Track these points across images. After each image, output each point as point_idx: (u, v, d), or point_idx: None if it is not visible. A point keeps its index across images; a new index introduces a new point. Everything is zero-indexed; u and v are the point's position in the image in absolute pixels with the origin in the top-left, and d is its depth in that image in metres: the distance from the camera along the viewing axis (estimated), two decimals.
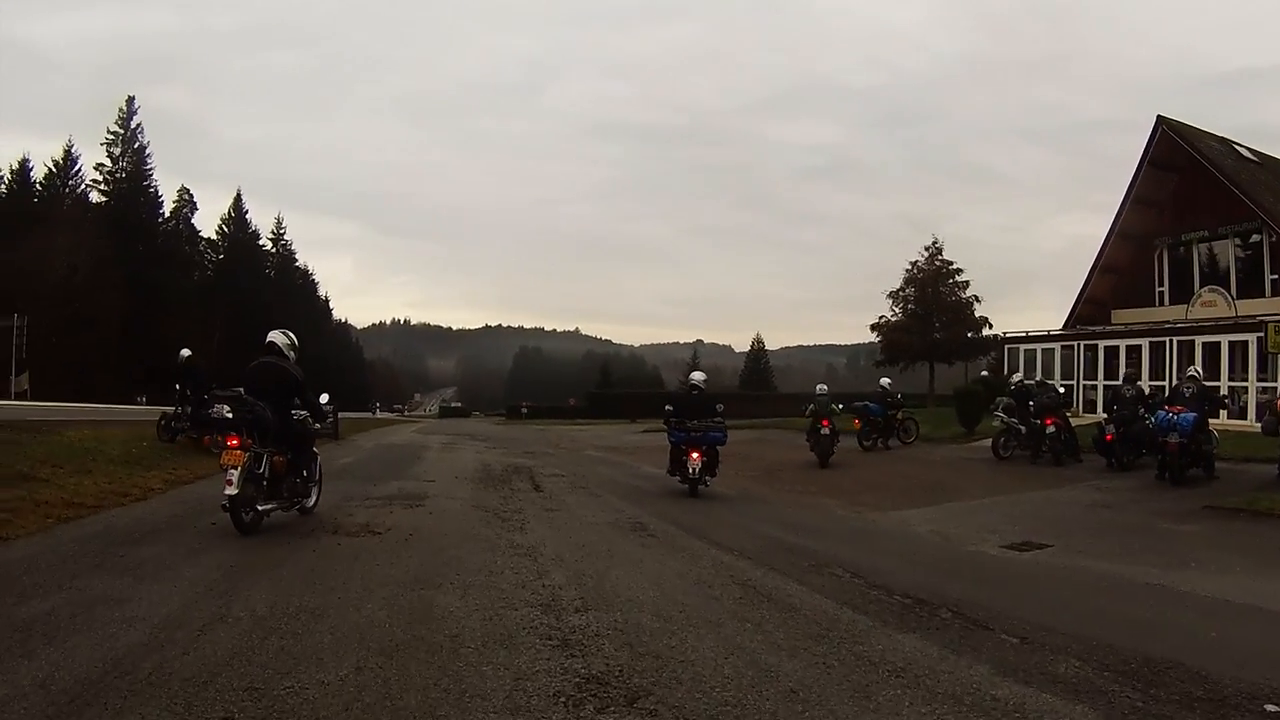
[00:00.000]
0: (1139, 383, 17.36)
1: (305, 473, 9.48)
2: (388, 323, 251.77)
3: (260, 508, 8.49)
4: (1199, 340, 24.02)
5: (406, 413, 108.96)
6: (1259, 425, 15.37)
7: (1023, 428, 18.44)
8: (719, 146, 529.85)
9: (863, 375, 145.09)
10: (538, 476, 15.76)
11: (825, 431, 19.02)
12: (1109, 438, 15.86)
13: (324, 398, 10.10)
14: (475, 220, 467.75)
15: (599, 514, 11.05)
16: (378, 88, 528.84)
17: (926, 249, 43.70)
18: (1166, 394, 16.30)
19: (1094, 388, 27.35)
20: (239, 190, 77.28)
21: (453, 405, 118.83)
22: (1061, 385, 25.08)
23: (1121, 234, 31.11)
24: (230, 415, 8.33)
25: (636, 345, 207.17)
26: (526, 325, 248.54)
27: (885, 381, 24.11)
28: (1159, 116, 29.06)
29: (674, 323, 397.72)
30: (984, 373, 35.37)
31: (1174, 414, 13.68)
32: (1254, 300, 26.28)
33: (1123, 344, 26.72)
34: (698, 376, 15.05)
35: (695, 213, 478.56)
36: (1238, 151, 29.02)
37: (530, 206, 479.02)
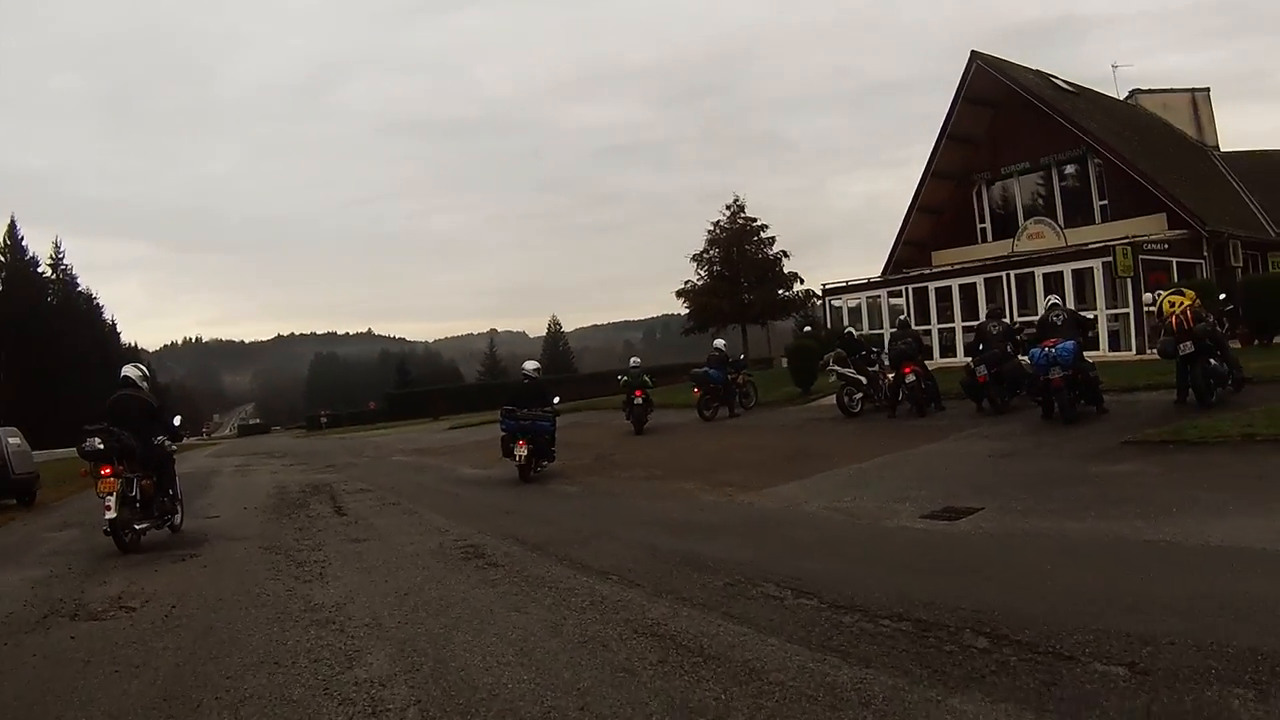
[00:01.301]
0: (1004, 318, 16.52)
1: (171, 492, 10.75)
2: (180, 342, 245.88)
3: (137, 527, 9.77)
4: (1039, 271, 24.13)
5: (207, 435, 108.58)
6: (1153, 351, 14.76)
7: (862, 379, 17.86)
8: (514, 134, 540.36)
9: (658, 348, 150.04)
10: (340, 495, 14.54)
11: (638, 401, 21.10)
12: (982, 379, 14.91)
13: (177, 420, 11.56)
14: (268, 230, 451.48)
15: (420, 539, 9.44)
16: (163, 102, 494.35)
17: (728, 207, 43.42)
18: (1034, 327, 15.48)
19: (926, 332, 26.99)
20: (12, 216, 68.73)
21: (251, 423, 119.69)
22: (889, 332, 24.86)
23: (937, 174, 31.42)
24: (102, 446, 9.51)
25: (431, 341, 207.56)
26: (319, 331, 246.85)
27: (720, 343, 22.88)
28: (973, 51, 29.39)
29: (469, 314, 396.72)
30: (806, 328, 34.93)
31: (1050, 347, 12.75)
32: (1084, 228, 27.08)
33: (955, 283, 26.62)
34: (529, 366, 16.13)
35: (491, 203, 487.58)
36: (1054, 83, 29.91)
37: (323, 211, 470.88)
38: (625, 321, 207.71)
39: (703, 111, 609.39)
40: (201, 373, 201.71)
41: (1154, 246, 23.16)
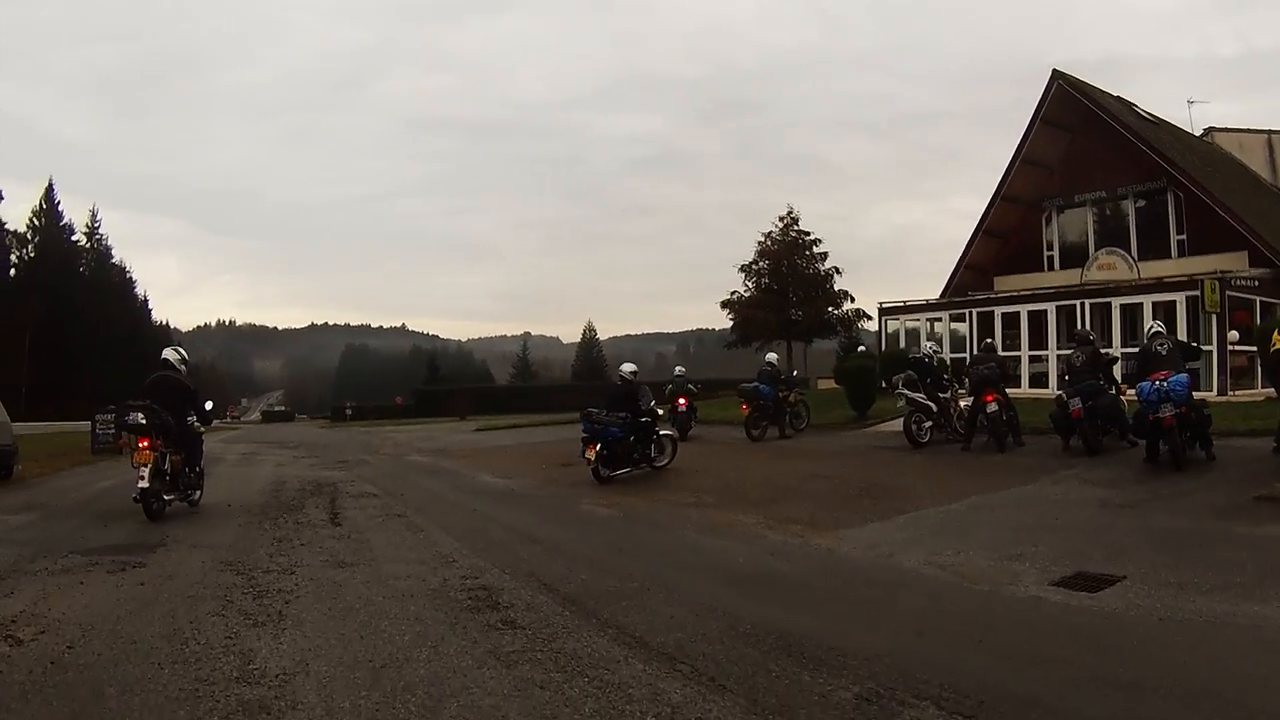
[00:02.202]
0: (1094, 343, 14.67)
1: (198, 469, 11.49)
2: (213, 324, 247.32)
3: (166, 498, 10.52)
4: (1116, 302, 22.36)
5: (231, 419, 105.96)
6: (1236, 393, 13.00)
7: (932, 405, 16.18)
8: (546, 140, 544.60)
9: (692, 362, 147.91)
10: (341, 499, 12.90)
11: (682, 409, 21.28)
12: (1076, 413, 13.10)
13: (209, 404, 12.21)
14: (303, 217, 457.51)
15: (419, 570, 7.61)
16: (205, 83, 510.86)
17: (781, 219, 41.41)
18: (1132, 357, 13.76)
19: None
20: (50, 181, 67.59)
21: (276, 409, 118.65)
22: (947, 357, 23.15)
23: (1007, 198, 29.54)
24: (144, 421, 10.30)
25: (464, 340, 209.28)
26: (353, 323, 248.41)
27: (772, 357, 21.12)
28: (1054, 70, 27.56)
29: (501, 317, 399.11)
30: (861, 348, 33.21)
31: (1161, 380, 11.00)
32: (1157, 262, 25.23)
33: (1024, 309, 24.82)
34: (627, 368, 15.52)
35: (523, 206, 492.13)
36: (1135, 110, 27.92)
37: (358, 202, 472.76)
38: (659, 333, 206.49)
39: (739, 129, 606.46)
40: (232, 356, 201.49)
41: (1243, 282, 21.25)
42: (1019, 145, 28.51)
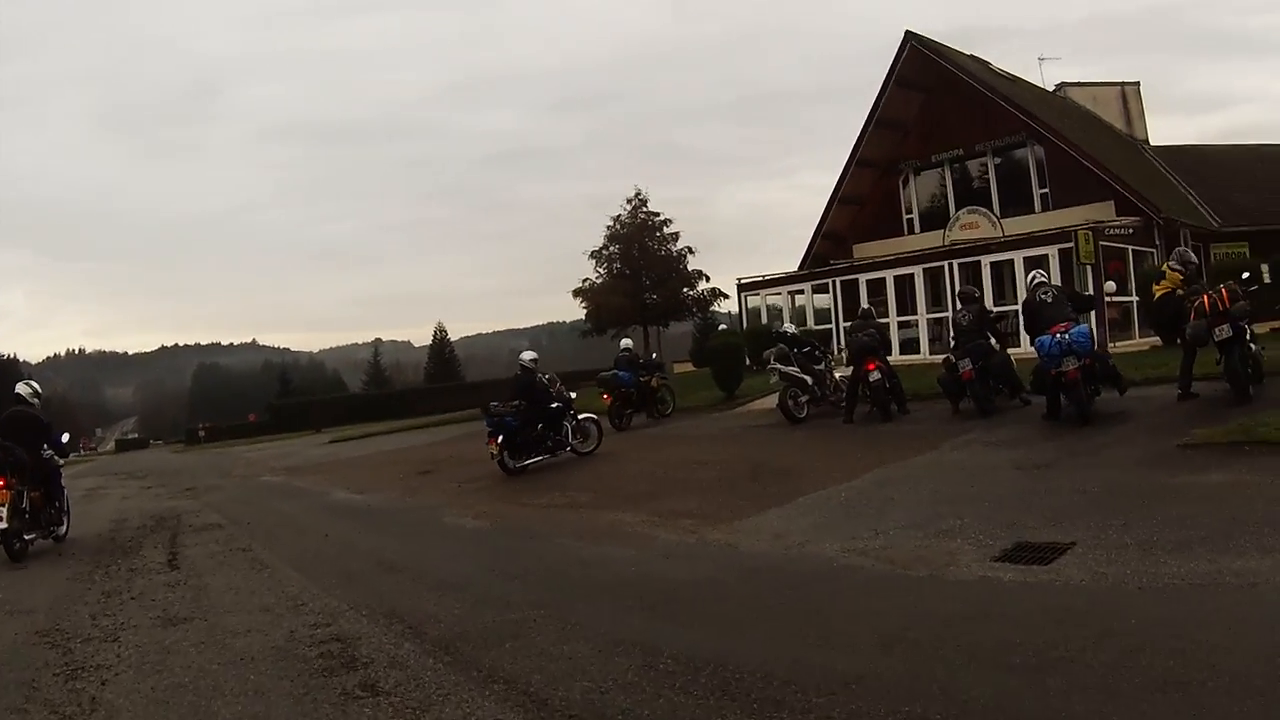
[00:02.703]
0: (980, 301, 14.25)
1: (57, 504, 11.38)
2: (63, 354, 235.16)
3: (26, 537, 10.34)
4: (986, 260, 22.34)
5: (85, 451, 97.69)
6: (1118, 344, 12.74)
7: (807, 378, 15.49)
8: (402, 140, 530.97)
9: (544, 355, 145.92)
10: (183, 534, 11.77)
11: None
12: (966, 375, 12.60)
13: (65, 437, 11.95)
14: (154, 236, 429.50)
15: (261, 620, 6.52)
16: (52, 104, 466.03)
17: (629, 201, 40.72)
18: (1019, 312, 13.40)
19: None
20: None
21: (130, 437, 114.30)
22: (804, 330, 22.70)
23: (862, 162, 29.53)
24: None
25: (315, 351, 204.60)
26: (204, 341, 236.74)
27: (628, 342, 20.29)
28: (908, 31, 27.58)
29: (353, 325, 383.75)
30: (722, 326, 32.67)
31: (1061, 332, 10.55)
32: (1021, 218, 25.63)
33: (889, 275, 24.69)
34: (526, 356, 15.35)
35: (380, 210, 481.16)
36: (990, 68, 28.38)
37: (211, 217, 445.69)
38: (511, 329, 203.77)
39: (594, 120, 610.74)
40: (84, 385, 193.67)
41: (1116, 231, 21.58)
42: (872, 108, 28.50)
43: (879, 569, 6.08)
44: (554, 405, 14.58)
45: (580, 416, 15.09)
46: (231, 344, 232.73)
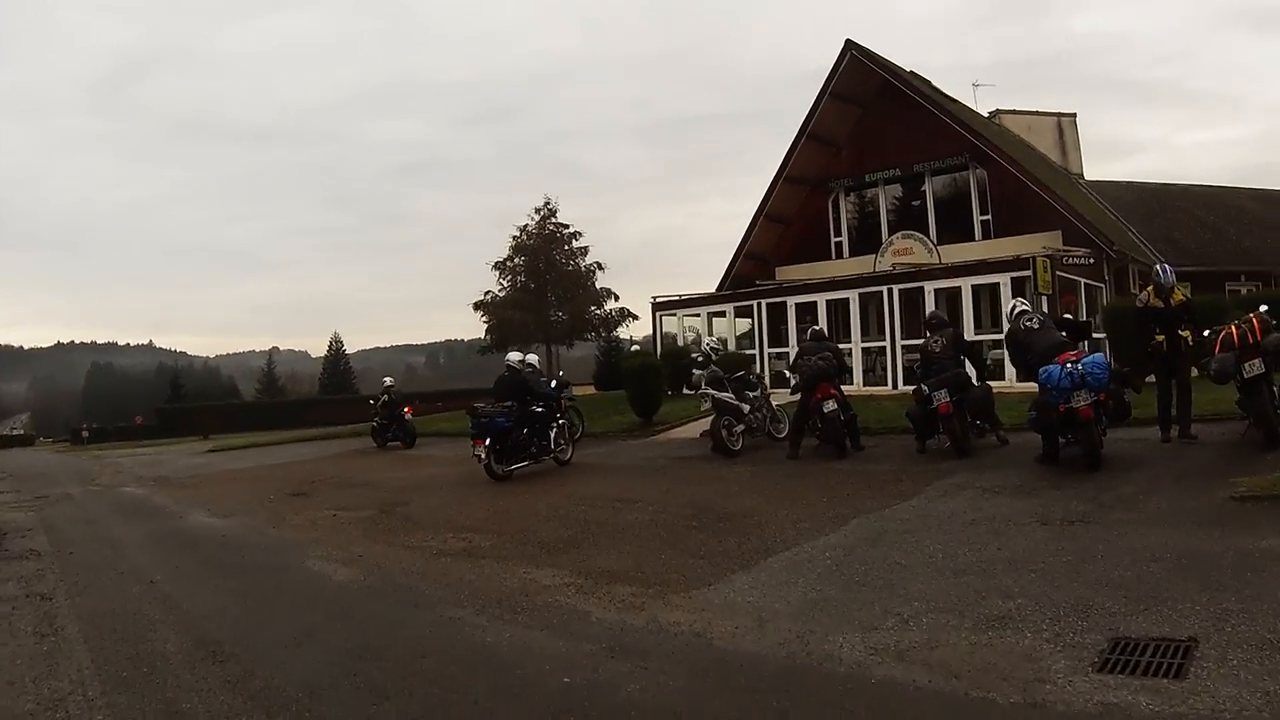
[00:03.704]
0: (948, 328, 12.53)
1: None
2: None
3: None
4: (930, 286, 20.73)
5: None
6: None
7: (744, 406, 13.82)
8: (309, 146, 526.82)
9: (442, 373, 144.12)
10: None
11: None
12: (944, 408, 10.89)
13: None
14: (54, 229, 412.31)
15: None
16: None
17: (538, 209, 38.65)
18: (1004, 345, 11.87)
19: (783, 355, 23.23)
20: None
21: (14, 433, 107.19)
22: (725, 355, 21.01)
23: (790, 178, 27.82)
24: None
25: (212, 356, 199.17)
26: (100, 340, 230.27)
27: (531, 358, 17.99)
28: (848, 40, 26.06)
29: (251, 331, 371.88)
30: (634, 346, 30.71)
31: (1072, 361, 8.95)
32: (960, 245, 24.24)
33: (821, 298, 22.92)
34: (513, 356, 14.86)
35: (286, 215, 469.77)
36: (932, 85, 27.04)
37: (113, 212, 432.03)
38: (409, 345, 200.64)
39: (500, 134, 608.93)
40: None
41: (1075, 261, 20.26)
42: (804, 120, 26.89)
43: (940, 688, 4.06)
44: (539, 408, 14.06)
45: (560, 420, 14.55)
46: (128, 344, 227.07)
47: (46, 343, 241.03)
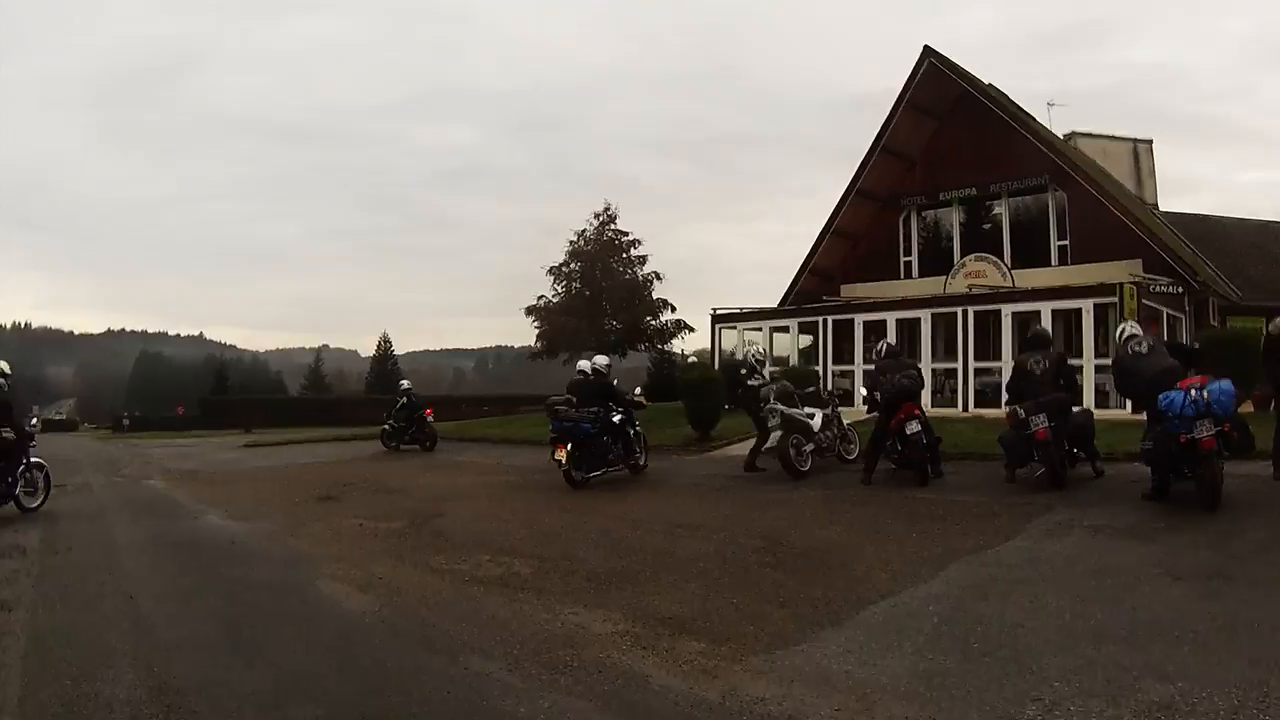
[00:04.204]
0: (1049, 347, 11.40)
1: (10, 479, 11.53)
2: (8, 327, 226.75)
3: None
4: (1007, 310, 19.55)
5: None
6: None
7: (814, 423, 12.83)
8: (356, 147, 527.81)
9: (491, 378, 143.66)
10: None
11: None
12: (1041, 435, 9.80)
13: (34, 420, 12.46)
14: (106, 216, 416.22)
15: None
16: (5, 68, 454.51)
17: (597, 215, 37.22)
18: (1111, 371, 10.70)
19: (847, 374, 22.26)
20: None
21: (57, 418, 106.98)
22: (788, 371, 20.04)
23: (862, 192, 26.63)
24: None
25: (261, 351, 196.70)
26: (150, 329, 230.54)
27: (601, 361, 16.91)
28: (926, 47, 24.87)
29: (301, 328, 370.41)
30: (691, 358, 29.86)
31: (1197, 387, 7.86)
32: (1034, 270, 22.84)
33: (891, 317, 21.87)
34: (590, 363, 14.38)
35: (330, 215, 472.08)
36: (1010, 100, 25.61)
37: (164, 203, 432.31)
38: (458, 349, 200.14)
39: (549, 144, 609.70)
40: (26, 362, 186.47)
41: (1162, 290, 19.02)
42: (879, 131, 25.67)
43: None
44: (618, 415, 13.50)
45: (637, 427, 14.07)
46: (178, 334, 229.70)
47: (96, 329, 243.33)
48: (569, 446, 12.60)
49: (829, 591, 6.23)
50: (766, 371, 14.23)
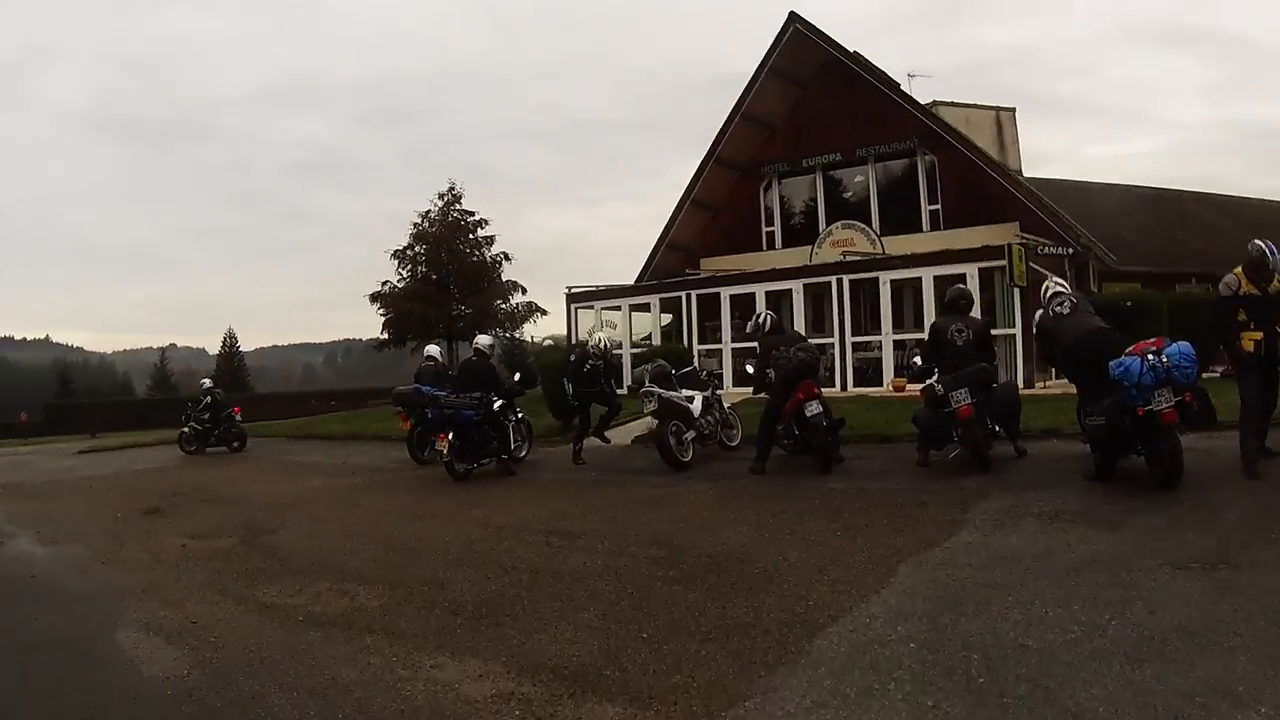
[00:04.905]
0: (972, 313, 10.34)
1: None
2: None
3: None
4: (885, 277, 18.79)
5: None
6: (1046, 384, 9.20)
7: (696, 408, 11.62)
8: (211, 143, 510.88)
9: (341, 372, 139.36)
10: None
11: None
12: (964, 411, 8.80)
13: None
14: None
15: None
16: None
17: (441, 195, 35.48)
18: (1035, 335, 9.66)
19: (714, 352, 21.21)
20: None
21: None
22: (650, 351, 18.96)
23: (721, 160, 25.77)
24: None
25: (109, 352, 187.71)
26: None
27: (433, 350, 16.33)
28: (791, 13, 24.07)
29: (149, 328, 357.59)
30: (547, 340, 28.43)
31: (1151, 352, 6.97)
32: (906, 237, 22.35)
33: (760, 289, 20.71)
34: (483, 341, 13.65)
35: (183, 214, 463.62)
36: (878, 69, 24.83)
37: (9, 206, 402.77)
38: (306, 343, 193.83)
39: (405, 135, 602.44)
40: None
41: (1051, 252, 18.62)
42: (740, 98, 24.85)
43: None
44: (498, 402, 12.43)
45: (519, 414, 13.31)
46: (24, 339, 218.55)
47: None
48: (449, 435, 11.67)
49: (761, 614, 4.95)
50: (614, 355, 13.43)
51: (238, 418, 20.57)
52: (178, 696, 4.50)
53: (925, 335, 16.06)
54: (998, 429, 9.49)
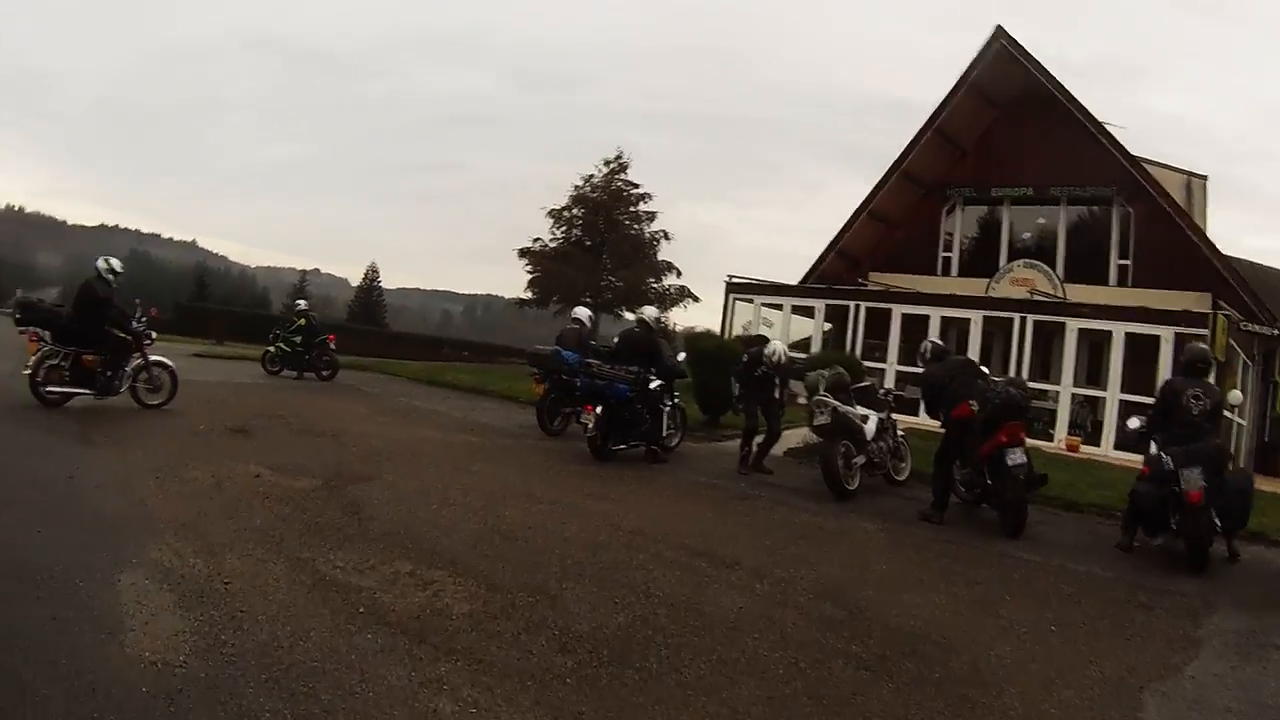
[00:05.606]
0: (1209, 376, 8.84)
1: (109, 372, 11.32)
2: (2, 208, 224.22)
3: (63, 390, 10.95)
4: (1073, 324, 17.33)
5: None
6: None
7: (869, 430, 10.37)
8: (370, 80, 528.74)
9: (478, 324, 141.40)
10: None
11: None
12: (1194, 497, 7.50)
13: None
14: (119, 113, 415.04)
15: None
16: None
17: (607, 163, 34.40)
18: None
19: (875, 371, 19.94)
20: None
21: (32, 299, 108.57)
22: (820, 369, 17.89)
23: (907, 174, 24.25)
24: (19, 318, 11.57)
25: (253, 266, 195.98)
26: (144, 229, 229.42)
27: (582, 312, 14.75)
28: (999, 27, 22.40)
29: (297, 249, 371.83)
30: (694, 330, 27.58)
31: None
32: (1090, 286, 20.70)
33: (936, 313, 19.49)
34: (649, 312, 12.92)
35: (338, 142, 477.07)
36: (1079, 101, 23.20)
37: (176, 107, 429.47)
38: (448, 291, 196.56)
39: (559, 103, 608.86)
40: (16, 245, 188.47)
41: (1252, 329, 16.98)
42: (934, 112, 23.28)
43: None
44: (659, 384, 11.44)
45: (676, 400, 12.06)
46: (172, 238, 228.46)
47: (90, 221, 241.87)
48: (597, 409, 10.74)
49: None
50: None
51: (332, 345, 19.50)
52: (151, 697, 3.54)
53: (1105, 393, 14.87)
54: (1218, 523, 7.96)
